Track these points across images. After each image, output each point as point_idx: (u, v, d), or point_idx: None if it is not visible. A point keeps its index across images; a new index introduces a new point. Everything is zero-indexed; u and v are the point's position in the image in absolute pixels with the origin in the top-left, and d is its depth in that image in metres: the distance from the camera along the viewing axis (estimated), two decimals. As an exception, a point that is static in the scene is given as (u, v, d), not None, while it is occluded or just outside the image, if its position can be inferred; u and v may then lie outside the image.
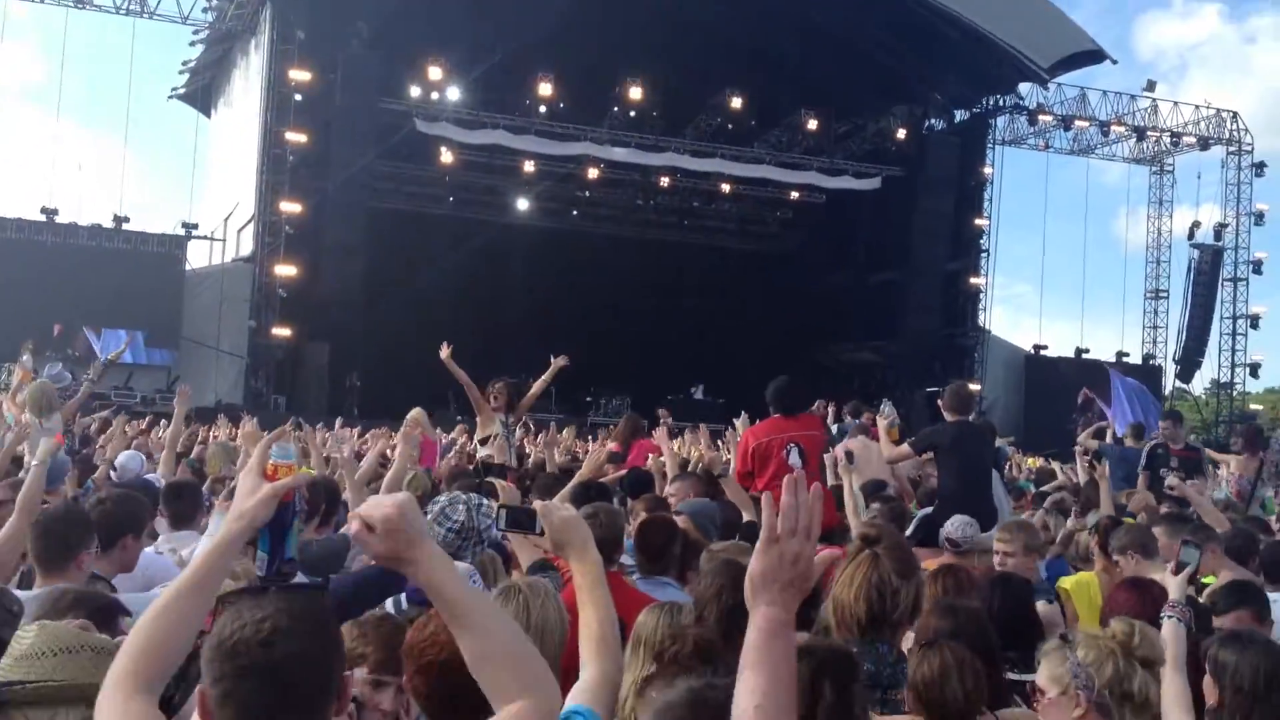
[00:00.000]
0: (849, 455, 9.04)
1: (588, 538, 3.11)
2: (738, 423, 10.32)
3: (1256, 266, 38.65)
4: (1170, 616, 4.15)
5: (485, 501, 5.00)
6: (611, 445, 11.11)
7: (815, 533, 2.12)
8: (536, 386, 11.83)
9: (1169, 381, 39.25)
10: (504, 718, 2.23)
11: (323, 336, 28.67)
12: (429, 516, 4.87)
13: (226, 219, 32.01)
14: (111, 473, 8.95)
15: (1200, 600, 5.00)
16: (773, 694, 1.96)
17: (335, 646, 2.19)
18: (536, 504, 3.21)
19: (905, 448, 9.50)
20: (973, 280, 35.59)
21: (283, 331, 28.58)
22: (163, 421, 13.87)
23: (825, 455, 9.33)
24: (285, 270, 28.51)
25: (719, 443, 11.68)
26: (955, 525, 6.90)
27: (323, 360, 28.70)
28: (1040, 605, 5.27)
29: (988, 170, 35.99)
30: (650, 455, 10.42)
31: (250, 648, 2.05)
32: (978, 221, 35.58)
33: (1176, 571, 4.42)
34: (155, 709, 2.23)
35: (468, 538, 4.80)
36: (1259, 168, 38.33)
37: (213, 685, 2.08)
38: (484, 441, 10.50)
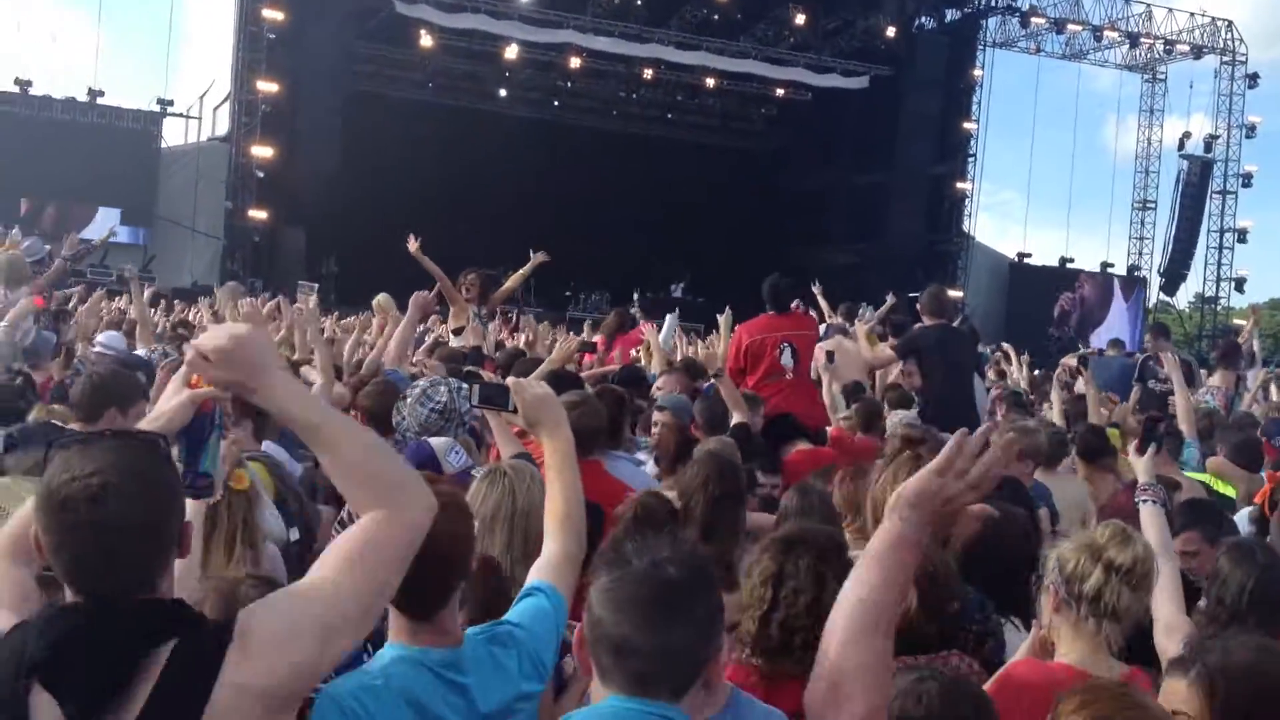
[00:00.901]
0: (829, 356, 8.97)
1: (561, 417, 3.09)
2: (721, 319, 10.30)
3: (1246, 180, 38.46)
4: (1145, 500, 4.10)
5: (466, 385, 5.06)
6: (597, 339, 11.11)
7: (983, 489, 2.12)
8: (512, 280, 11.69)
9: (1153, 294, 39.30)
10: (360, 525, 2.22)
11: (300, 220, 28.23)
12: (410, 399, 4.84)
13: (202, 97, 31.41)
14: (94, 350, 8.79)
15: None
16: (879, 591, 2.05)
17: (169, 501, 2.14)
18: (510, 380, 3.20)
19: (888, 351, 9.41)
20: (958, 185, 35.30)
21: (259, 214, 28.07)
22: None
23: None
24: (262, 151, 27.93)
25: (701, 342, 11.65)
26: (900, 420, 7.06)
27: (299, 244, 28.33)
28: None
29: (977, 73, 35.43)
30: (633, 349, 10.39)
31: (79, 504, 2.02)
32: (966, 125, 35.15)
33: (1141, 451, 4.31)
34: (31, 580, 2.35)
35: (450, 418, 4.93)
36: (1252, 79, 37.89)
37: (44, 534, 2.07)
38: (457, 332, 10.38)
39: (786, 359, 8.70)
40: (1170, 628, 3.59)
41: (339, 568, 2.17)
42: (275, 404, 2.25)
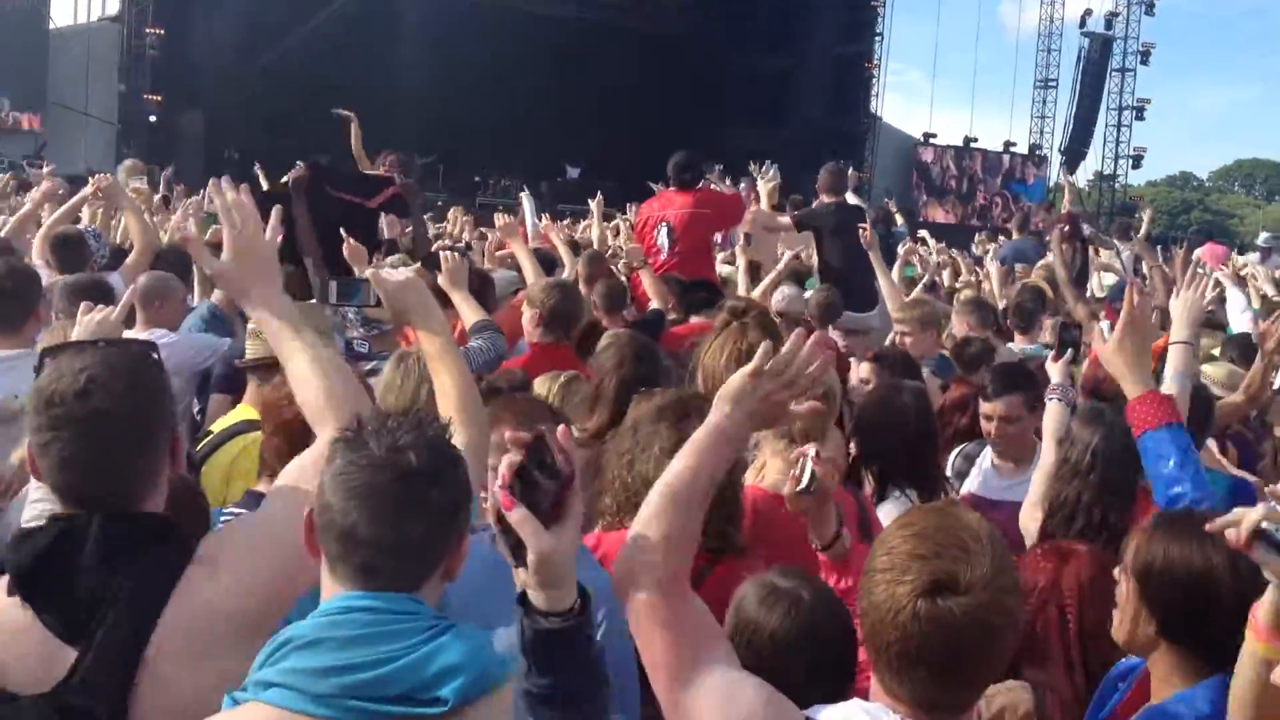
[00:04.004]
0: (747, 238, 9.01)
1: (429, 302, 2.90)
2: (593, 203, 10.53)
3: (1144, 56, 38.97)
4: (1052, 398, 4.37)
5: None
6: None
7: (800, 386, 2.19)
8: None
9: (1054, 172, 39.96)
10: (311, 448, 2.34)
11: (197, 104, 27.51)
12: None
13: (92, -26, 30.26)
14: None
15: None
16: (687, 482, 2.13)
17: (154, 399, 2.20)
18: (368, 272, 3.03)
19: (785, 219, 9.43)
20: (866, 65, 35.32)
21: (154, 98, 27.36)
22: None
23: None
24: (155, 30, 27.15)
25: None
26: (781, 297, 7.17)
27: (198, 130, 27.63)
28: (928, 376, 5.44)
29: (883, -49, 35.31)
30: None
31: (66, 399, 2.08)
32: (873, 3, 35.09)
33: (1056, 358, 4.56)
34: None
35: None
36: (1153, -45, 38.28)
37: (33, 435, 2.12)
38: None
39: (662, 239, 8.61)
40: (1034, 504, 3.84)
41: (294, 490, 2.24)
42: (261, 305, 2.45)
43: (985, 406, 4.80)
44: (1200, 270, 4.42)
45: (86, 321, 3.25)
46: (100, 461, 2.10)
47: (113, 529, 2.07)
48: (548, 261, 8.16)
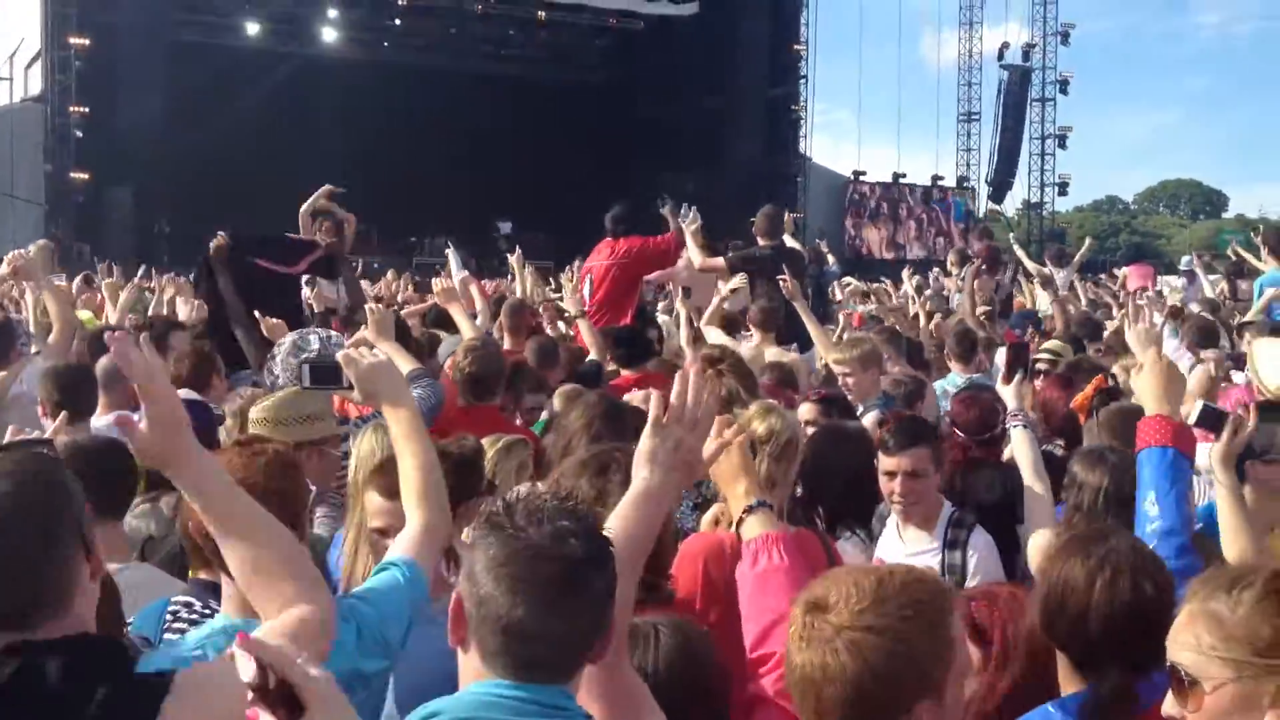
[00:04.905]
0: (686, 291, 9.05)
1: (398, 384, 2.89)
2: (512, 259, 10.89)
3: (1063, 86, 39.79)
4: (1015, 425, 4.28)
5: (335, 333, 4.93)
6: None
7: (705, 426, 2.23)
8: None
9: (983, 203, 40.61)
10: (284, 622, 2.11)
11: (125, 180, 27.30)
12: (282, 353, 4.69)
13: (12, 56, 30.03)
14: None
15: None
16: (620, 541, 2.04)
17: (54, 494, 1.95)
18: (340, 355, 2.97)
19: (720, 261, 9.46)
20: (792, 107, 35.72)
21: (81, 175, 27.12)
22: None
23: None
24: (79, 109, 26.95)
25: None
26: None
27: (126, 205, 27.40)
28: (870, 418, 5.32)
29: (802, -8, 35.81)
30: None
31: None
32: (795, 46, 35.53)
33: (1008, 380, 4.43)
34: None
35: None
36: (1065, -17, 39.23)
37: None
38: (310, 283, 9.96)
39: (585, 291, 8.85)
40: (1038, 548, 3.69)
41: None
42: (194, 480, 2.12)
43: (887, 462, 4.24)
44: (1140, 302, 4.47)
45: None
46: (15, 575, 1.86)
47: (64, 658, 1.84)
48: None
